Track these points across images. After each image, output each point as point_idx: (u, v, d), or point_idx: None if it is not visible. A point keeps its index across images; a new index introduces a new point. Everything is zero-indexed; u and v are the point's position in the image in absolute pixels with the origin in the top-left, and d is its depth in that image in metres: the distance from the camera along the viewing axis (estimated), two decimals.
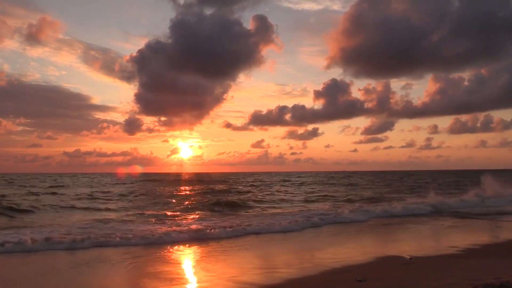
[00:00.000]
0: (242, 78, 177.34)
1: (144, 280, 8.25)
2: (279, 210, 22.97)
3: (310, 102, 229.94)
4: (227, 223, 16.50)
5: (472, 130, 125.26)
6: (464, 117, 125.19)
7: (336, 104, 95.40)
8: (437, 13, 64.78)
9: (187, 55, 68.02)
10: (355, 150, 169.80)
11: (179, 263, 10.24)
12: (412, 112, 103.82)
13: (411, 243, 13.06)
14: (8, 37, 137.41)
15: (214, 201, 26.50)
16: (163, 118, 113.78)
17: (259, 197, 31.67)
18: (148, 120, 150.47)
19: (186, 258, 10.91)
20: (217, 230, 14.58)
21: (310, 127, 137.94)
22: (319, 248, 12.33)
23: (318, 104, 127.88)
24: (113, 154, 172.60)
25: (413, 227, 16.56)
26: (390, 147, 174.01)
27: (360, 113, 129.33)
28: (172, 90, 79.25)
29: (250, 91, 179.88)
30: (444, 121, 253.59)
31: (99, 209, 23.15)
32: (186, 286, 7.85)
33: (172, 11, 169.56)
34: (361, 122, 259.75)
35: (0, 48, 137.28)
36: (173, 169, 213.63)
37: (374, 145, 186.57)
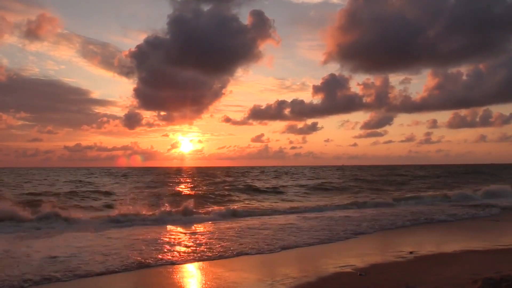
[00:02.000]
0: (240, 73, 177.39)
1: None
2: None
3: (309, 97, 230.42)
4: None
5: (471, 124, 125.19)
6: (463, 112, 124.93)
7: (335, 98, 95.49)
8: (433, 9, 64.81)
9: (185, 51, 67.99)
10: (354, 145, 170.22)
11: None
12: (411, 106, 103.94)
13: None
14: (7, 32, 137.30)
15: None
16: (162, 113, 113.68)
17: None
18: (147, 115, 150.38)
19: None
20: None
21: (310, 121, 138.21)
22: None
23: (317, 99, 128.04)
24: (114, 148, 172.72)
25: None
26: (390, 141, 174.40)
27: (359, 108, 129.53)
28: (171, 85, 79.32)
29: (250, 86, 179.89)
30: (443, 116, 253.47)
31: None
32: None
33: (169, 5, 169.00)
34: (360, 116, 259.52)
35: None
36: (174, 163, 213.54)
37: (373, 139, 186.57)
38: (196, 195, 27.17)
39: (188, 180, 49.35)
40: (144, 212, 16.85)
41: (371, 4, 70.38)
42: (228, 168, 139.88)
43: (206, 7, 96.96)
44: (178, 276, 7.96)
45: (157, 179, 52.74)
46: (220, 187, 35.23)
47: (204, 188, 35.09)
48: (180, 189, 33.40)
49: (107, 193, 27.57)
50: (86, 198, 24.62)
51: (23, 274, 7.83)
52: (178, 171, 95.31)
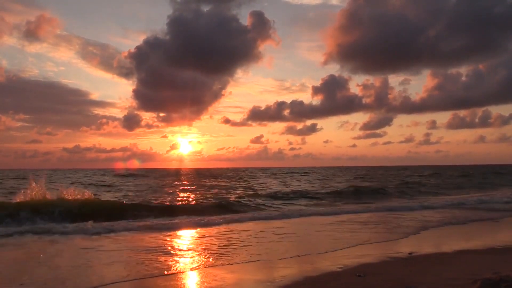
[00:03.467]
0: (240, 74, 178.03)
1: None
2: None
3: (308, 98, 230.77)
4: None
5: (471, 125, 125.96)
6: (462, 113, 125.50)
7: (334, 99, 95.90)
8: (434, 9, 64.95)
9: (185, 52, 68.19)
10: (354, 146, 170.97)
11: None
12: (410, 107, 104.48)
13: None
14: (6, 33, 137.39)
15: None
16: (162, 114, 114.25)
17: None
18: (147, 116, 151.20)
19: None
20: None
21: (309, 122, 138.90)
22: None
23: (317, 100, 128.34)
24: (113, 150, 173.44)
25: None
26: (389, 142, 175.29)
27: (358, 109, 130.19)
28: (171, 86, 79.62)
29: (249, 87, 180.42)
30: (443, 117, 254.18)
31: None
32: None
33: (169, 7, 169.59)
34: (360, 117, 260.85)
35: None
36: (173, 165, 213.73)
37: (373, 140, 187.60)
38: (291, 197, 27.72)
39: (228, 181, 47.65)
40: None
41: (371, 5, 70.61)
42: (238, 169, 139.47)
43: (206, 8, 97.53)
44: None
45: (188, 181, 51.76)
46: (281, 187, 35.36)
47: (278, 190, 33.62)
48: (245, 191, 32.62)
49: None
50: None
51: None
52: (199, 172, 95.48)
